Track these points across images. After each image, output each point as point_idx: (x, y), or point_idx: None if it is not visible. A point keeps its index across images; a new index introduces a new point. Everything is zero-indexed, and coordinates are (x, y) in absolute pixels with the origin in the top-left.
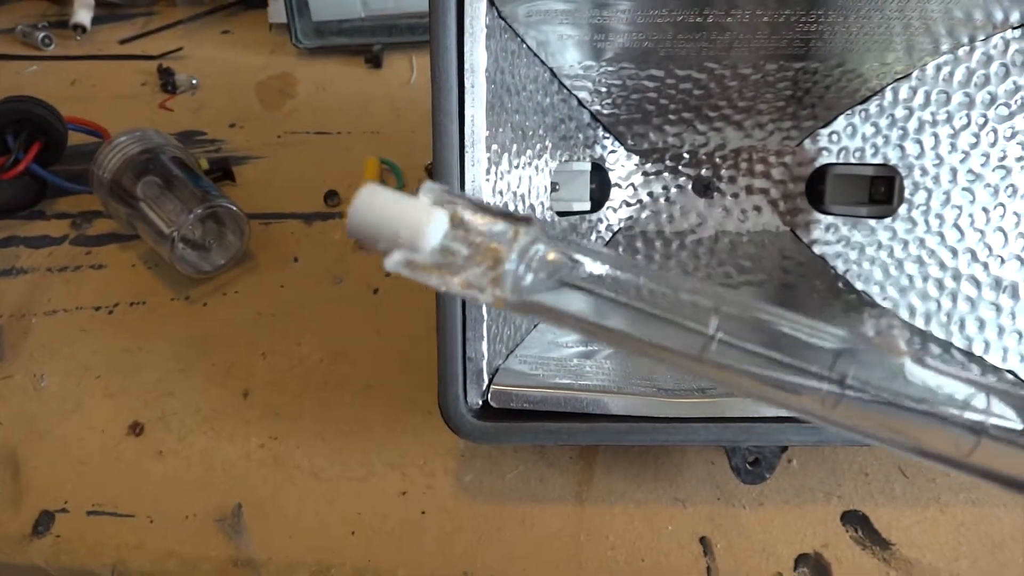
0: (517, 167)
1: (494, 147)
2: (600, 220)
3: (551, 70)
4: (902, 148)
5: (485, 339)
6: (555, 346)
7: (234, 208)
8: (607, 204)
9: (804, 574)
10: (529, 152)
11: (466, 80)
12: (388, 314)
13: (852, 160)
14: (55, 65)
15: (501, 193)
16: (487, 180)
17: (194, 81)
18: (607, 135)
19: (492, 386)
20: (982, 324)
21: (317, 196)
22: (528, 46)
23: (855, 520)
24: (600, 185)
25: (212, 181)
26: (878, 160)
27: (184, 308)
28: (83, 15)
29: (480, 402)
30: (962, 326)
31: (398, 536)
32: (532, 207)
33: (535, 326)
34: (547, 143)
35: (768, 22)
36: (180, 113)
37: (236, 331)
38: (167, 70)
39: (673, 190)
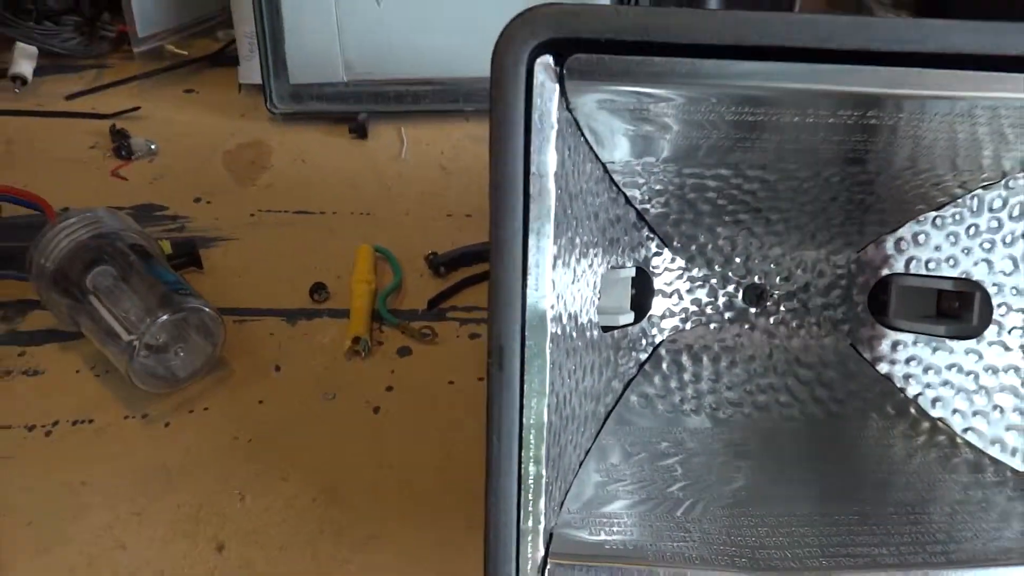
0: (574, 282)
1: (559, 265)
2: (642, 334)
3: (604, 165)
4: (989, 263)
5: (543, 498)
6: (604, 486)
7: (207, 310)
8: (649, 314)
9: None
10: (584, 262)
11: (532, 187)
12: (391, 440)
13: (922, 271)
14: None
15: (560, 319)
16: (551, 310)
17: (153, 146)
18: (652, 236)
19: (550, 560)
20: None
21: (301, 289)
22: (585, 139)
23: None
24: (642, 291)
25: (175, 269)
26: (956, 273)
27: (141, 429)
28: (24, 65)
29: None
30: None
31: None
32: (582, 326)
33: (580, 464)
34: (598, 249)
35: (833, 123)
36: (136, 183)
37: (206, 461)
38: (121, 132)
39: (722, 298)
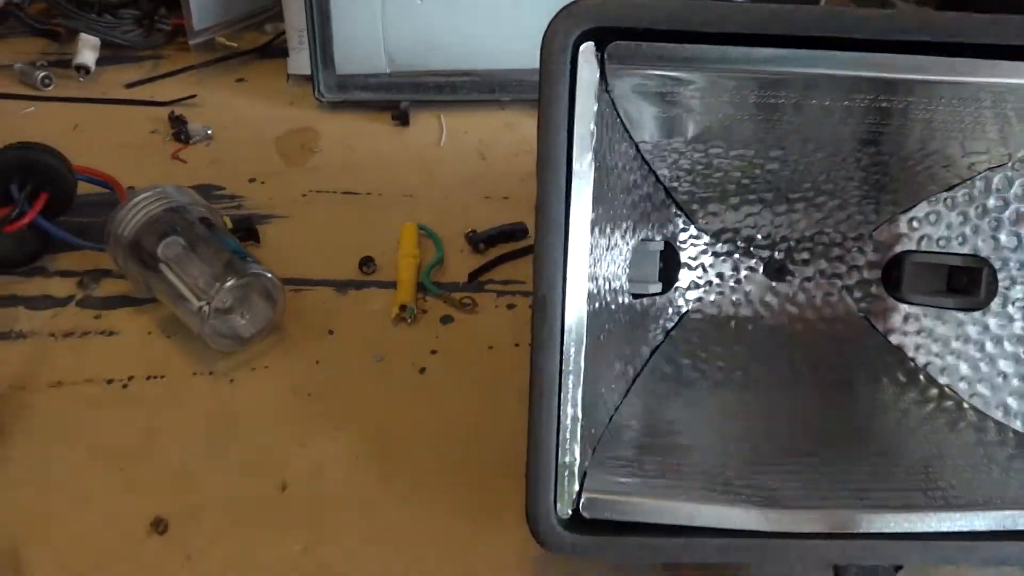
0: (608, 249)
1: (596, 231)
2: (669, 303)
3: (636, 145)
4: (995, 239)
5: (579, 440)
6: (632, 440)
7: (269, 275)
8: (676, 285)
9: None
10: (617, 233)
11: (574, 163)
12: (436, 398)
13: (934, 248)
14: (55, 107)
15: (596, 279)
16: (588, 268)
17: (209, 131)
18: (679, 213)
19: (584, 494)
20: None
21: (350, 262)
22: (620, 119)
23: None
24: (669, 264)
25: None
26: (966, 250)
27: (208, 384)
28: (87, 55)
29: (569, 512)
30: None
31: None
32: (614, 290)
33: (610, 419)
34: (630, 222)
35: (848, 106)
36: (195, 165)
37: (268, 412)
38: (179, 118)
39: (744, 272)
